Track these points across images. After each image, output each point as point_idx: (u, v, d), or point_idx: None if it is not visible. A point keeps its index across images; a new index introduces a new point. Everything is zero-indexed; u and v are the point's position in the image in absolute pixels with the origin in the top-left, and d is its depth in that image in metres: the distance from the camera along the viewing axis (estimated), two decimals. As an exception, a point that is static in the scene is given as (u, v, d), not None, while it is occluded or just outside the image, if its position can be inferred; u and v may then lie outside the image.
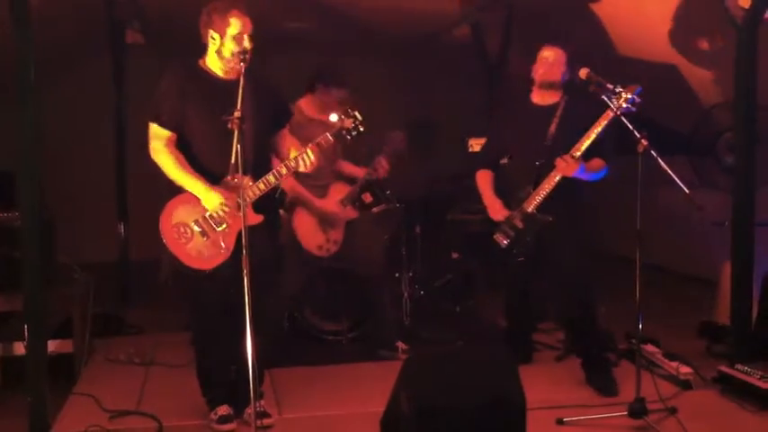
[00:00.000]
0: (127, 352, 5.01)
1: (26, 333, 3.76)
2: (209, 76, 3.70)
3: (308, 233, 4.77)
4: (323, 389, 4.40)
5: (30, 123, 3.76)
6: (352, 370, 4.78)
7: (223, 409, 3.84)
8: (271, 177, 3.68)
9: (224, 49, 3.60)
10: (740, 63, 4.48)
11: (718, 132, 5.38)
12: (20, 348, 4.20)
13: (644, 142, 3.67)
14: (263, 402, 3.86)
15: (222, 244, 3.64)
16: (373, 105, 4.94)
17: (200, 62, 3.73)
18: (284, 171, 3.70)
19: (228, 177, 3.48)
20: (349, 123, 3.78)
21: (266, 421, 3.82)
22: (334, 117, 3.84)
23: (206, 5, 3.66)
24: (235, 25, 3.56)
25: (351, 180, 5.08)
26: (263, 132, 3.78)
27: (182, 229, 3.62)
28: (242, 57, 3.47)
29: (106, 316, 5.54)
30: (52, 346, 4.34)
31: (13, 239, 4.15)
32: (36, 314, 3.79)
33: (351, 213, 4.96)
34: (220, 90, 3.63)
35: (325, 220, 4.85)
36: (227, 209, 3.61)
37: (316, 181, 4.80)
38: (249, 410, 3.83)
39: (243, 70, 3.44)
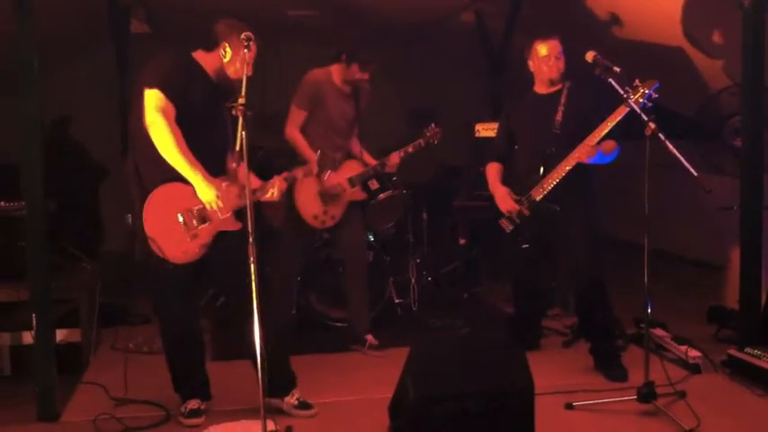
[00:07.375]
0: (135, 341, 5.03)
1: (34, 322, 3.78)
2: (204, 71, 3.62)
3: (308, 201, 4.65)
4: (331, 375, 4.42)
5: (34, 113, 3.76)
6: (360, 357, 4.80)
7: (193, 403, 3.80)
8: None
9: (230, 67, 3.59)
10: (747, 46, 4.45)
11: (726, 116, 5.34)
12: (28, 338, 4.21)
13: (652, 125, 3.63)
14: (295, 393, 3.88)
15: (200, 241, 3.55)
16: (377, 92, 4.94)
17: (195, 55, 3.63)
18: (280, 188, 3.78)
19: (233, 165, 3.45)
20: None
21: (307, 412, 3.84)
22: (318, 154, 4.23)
23: (228, 18, 3.60)
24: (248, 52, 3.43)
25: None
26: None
27: (167, 218, 3.49)
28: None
29: (113, 305, 5.55)
30: (60, 335, 4.37)
31: (19, 229, 4.16)
32: (44, 303, 3.81)
33: (357, 195, 4.86)
34: (213, 85, 3.61)
35: (326, 193, 4.72)
36: (221, 204, 3.49)
37: (333, 152, 4.74)
38: (288, 399, 3.85)
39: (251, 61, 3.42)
